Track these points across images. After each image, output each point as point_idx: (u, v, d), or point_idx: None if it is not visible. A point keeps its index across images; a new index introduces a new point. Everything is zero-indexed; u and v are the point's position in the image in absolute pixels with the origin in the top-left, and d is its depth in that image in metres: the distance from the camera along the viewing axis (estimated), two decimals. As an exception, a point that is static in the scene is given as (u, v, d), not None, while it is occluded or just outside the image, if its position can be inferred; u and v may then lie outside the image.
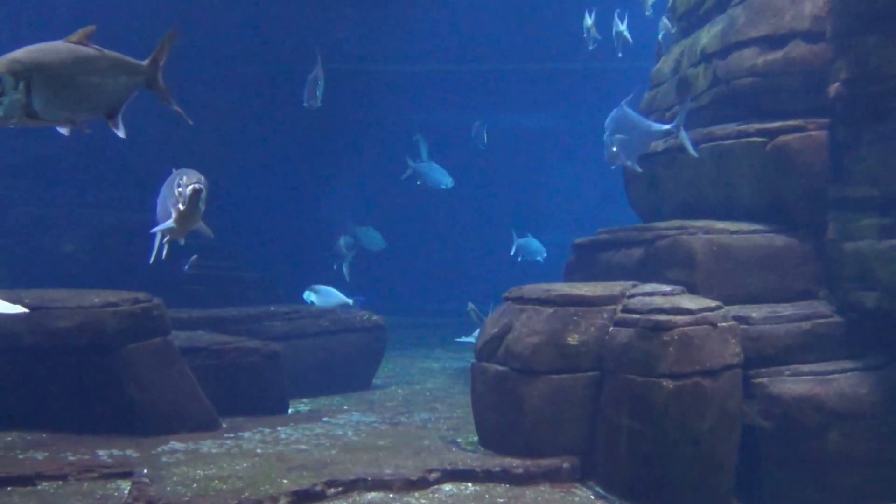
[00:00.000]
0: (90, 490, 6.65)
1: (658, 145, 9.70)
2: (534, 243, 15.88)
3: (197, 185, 5.80)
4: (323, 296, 12.39)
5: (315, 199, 20.10)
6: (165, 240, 6.51)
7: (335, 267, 15.86)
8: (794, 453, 7.19)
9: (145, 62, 4.93)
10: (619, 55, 12.12)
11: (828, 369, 7.36)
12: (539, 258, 15.58)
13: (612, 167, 9.28)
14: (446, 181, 16.29)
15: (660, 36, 11.10)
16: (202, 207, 5.95)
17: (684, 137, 8.41)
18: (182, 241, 6.74)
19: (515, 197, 22.45)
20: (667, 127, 8.61)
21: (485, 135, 17.03)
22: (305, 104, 11.87)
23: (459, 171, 17.32)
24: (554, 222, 20.58)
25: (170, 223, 6.05)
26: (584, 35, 12.56)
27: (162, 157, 14.70)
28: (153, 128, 15.18)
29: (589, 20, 12.51)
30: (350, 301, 12.49)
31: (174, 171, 6.21)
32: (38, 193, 14.03)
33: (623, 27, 12.05)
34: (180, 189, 5.85)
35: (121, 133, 4.83)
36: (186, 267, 11.72)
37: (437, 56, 20.08)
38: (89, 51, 4.65)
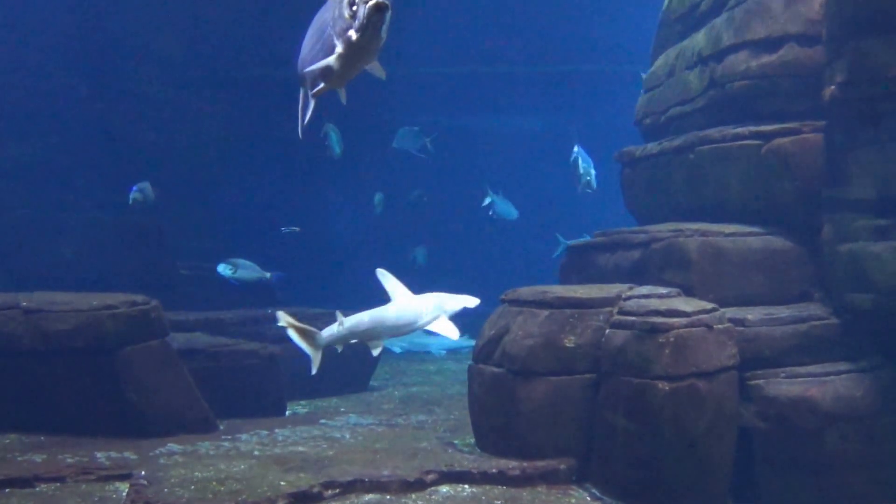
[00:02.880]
0: (88, 492, 6.65)
1: (653, 148, 9.76)
2: None
3: (382, 1, 4.12)
4: (241, 269, 12.35)
5: (314, 202, 20.09)
6: (316, 91, 4.76)
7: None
8: (789, 455, 7.22)
9: None
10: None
11: (823, 371, 7.39)
12: None
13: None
14: (513, 213, 17.15)
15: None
16: (384, 37, 4.27)
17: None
18: (343, 97, 4.93)
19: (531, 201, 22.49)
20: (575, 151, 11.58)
21: (428, 144, 17.12)
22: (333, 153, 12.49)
23: (456, 173, 17.38)
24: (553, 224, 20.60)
25: (329, 61, 4.40)
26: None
27: (161, 159, 14.78)
28: (151, 131, 15.22)
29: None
30: (268, 275, 12.42)
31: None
32: (36, 196, 14.01)
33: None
34: (355, 7, 4.19)
35: None
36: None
37: (433, 58, 20.07)
38: None
